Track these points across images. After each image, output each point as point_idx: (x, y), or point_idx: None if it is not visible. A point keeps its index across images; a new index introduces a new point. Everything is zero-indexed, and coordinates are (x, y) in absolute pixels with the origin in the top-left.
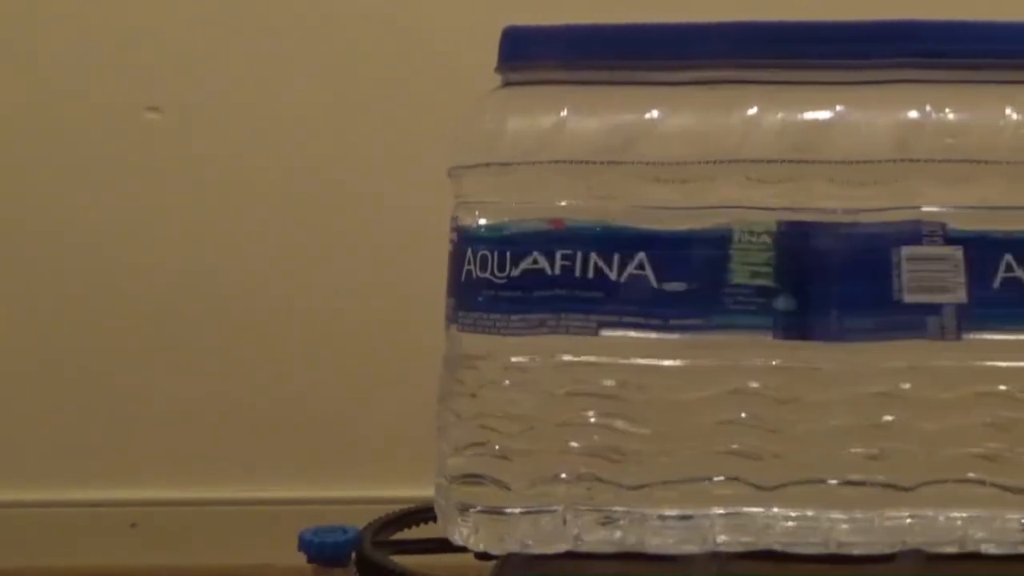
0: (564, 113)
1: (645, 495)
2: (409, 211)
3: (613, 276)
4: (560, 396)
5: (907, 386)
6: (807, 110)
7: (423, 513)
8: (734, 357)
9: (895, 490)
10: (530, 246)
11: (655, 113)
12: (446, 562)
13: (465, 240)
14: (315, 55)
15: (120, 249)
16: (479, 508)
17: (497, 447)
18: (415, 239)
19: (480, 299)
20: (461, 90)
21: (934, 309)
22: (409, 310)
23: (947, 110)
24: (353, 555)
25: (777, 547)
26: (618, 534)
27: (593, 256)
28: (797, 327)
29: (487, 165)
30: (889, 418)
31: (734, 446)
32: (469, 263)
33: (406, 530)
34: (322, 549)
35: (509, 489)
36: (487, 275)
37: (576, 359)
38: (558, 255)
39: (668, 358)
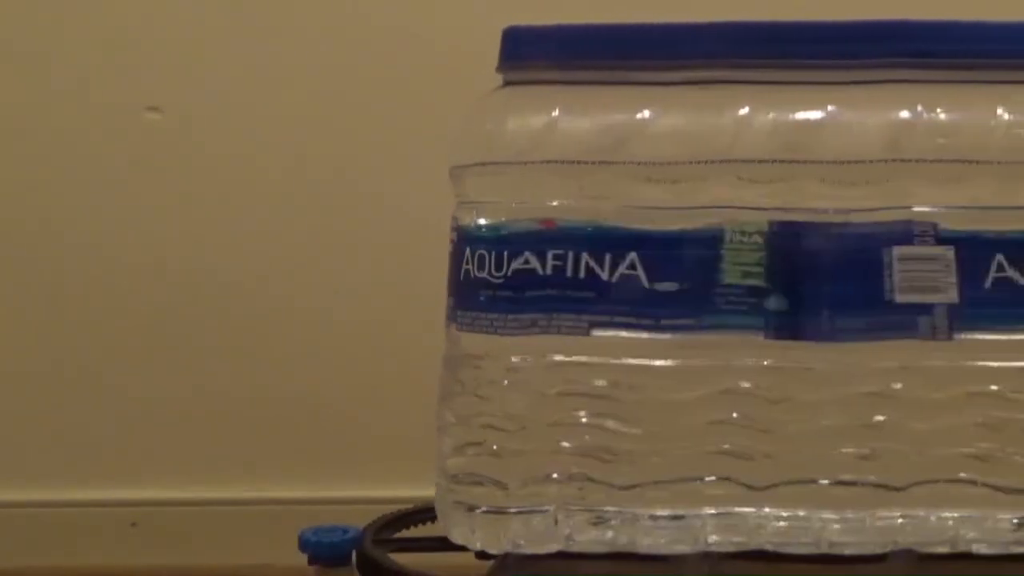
0: (556, 113)
1: (637, 495)
2: (409, 211)
3: (605, 276)
4: (551, 396)
5: (898, 386)
6: (798, 110)
7: (424, 513)
8: (725, 357)
9: (887, 490)
10: (523, 246)
11: (646, 113)
12: (448, 561)
13: (464, 240)
14: (315, 55)
15: (120, 249)
16: (476, 507)
17: (495, 447)
18: (415, 239)
19: (478, 299)
20: (462, 90)
21: (925, 309)
22: (409, 310)
23: (938, 110)
24: (354, 555)
25: (768, 547)
26: (610, 534)
27: (585, 256)
28: (788, 327)
29: (485, 165)
30: (880, 418)
31: (725, 446)
32: (467, 262)
33: (407, 530)
34: (323, 549)
35: (507, 489)
36: (484, 275)
37: (567, 359)
38: (549, 255)
39: (659, 358)
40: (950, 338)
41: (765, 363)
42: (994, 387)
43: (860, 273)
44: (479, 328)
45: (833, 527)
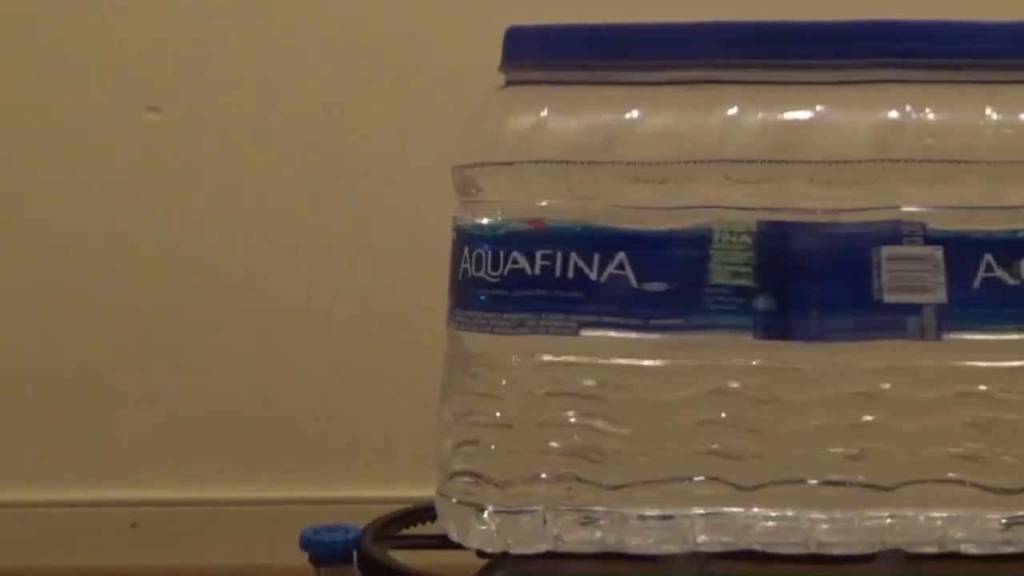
0: (544, 113)
1: (625, 495)
2: (410, 211)
3: (593, 276)
4: (540, 396)
5: (887, 386)
6: (787, 110)
7: (425, 512)
8: (714, 357)
9: (875, 490)
10: (515, 246)
11: (635, 113)
12: (450, 560)
13: (462, 239)
14: (316, 55)
15: (120, 249)
16: (472, 506)
17: (490, 446)
18: (416, 239)
19: (475, 298)
20: (463, 90)
21: (914, 309)
22: (409, 310)
23: (927, 110)
24: (355, 554)
25: (757, 547)
26: (598, 534)
27: (573, 256)
28: (777, 327)
29: (484, 165)
30: (869, 418)
31: (714, 446)
32: (465, 262)
33: (408, 529)
34: (324, 548)
35: (499, 488)
36: (481, 274)
37: (556, 359)
38: (538, 255)
39: (648, 358)
40: (939, 338)
41: (754, 363)
42: (983, 387)
43: (848, 273)
44: (476, 327)
45: (821, 527)
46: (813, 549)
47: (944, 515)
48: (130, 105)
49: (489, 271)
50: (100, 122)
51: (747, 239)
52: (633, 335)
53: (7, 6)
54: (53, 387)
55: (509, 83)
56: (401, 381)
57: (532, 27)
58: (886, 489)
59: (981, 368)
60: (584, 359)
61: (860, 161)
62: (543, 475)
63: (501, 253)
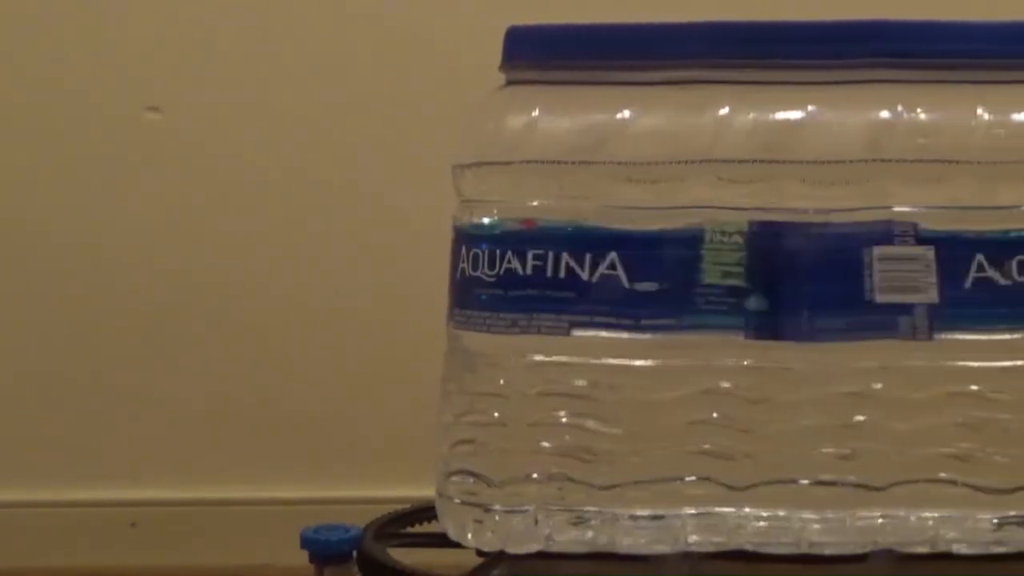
0: (536, 113)
1: (617, 495)
2: (410, 211)
3: (585, 276)
4: (532, 396)
5: (879, 386)
6: (779, 110)
7: (426, 512)
8: (706, 357)
9: (867, 490)
10: (509, 245)
11: (626, 113)
12: (451, 560)
13: (460, 238)
14: (316, 55)
15: (120, 249)
16: (468, 505)
17: (488, 446)
18: (416, 239)
19: (472, 297)
20: (463, 90)
21: (906, 309)
22: (409, 310)
23: (919, 110)
24: (355, 553)
25: (749, 547)
26: (589, 534)
27: (565, 256)
28: (769, 327)
29: (481, 164)
30: (861, 418)
31: (706, 446)
32: (463, 261)
33: (409, 528)
34: (324, 547)
35: (493, 487)
36: (479, 273)
37: (548, 359)
38: (529, 255)
39: (640, 358)
40: (930, 338)
41: (745, 363)
42: (974, 387)
43: (840, 273)
44: (474, 327)
45: (813, 527)
46: (805, 549)
47: (936, 515)
48: (130, 105)
49: (486, 271)
50: (100, 122)
51: (738, 239)
52: (624, 335)
53: (7, 6)
54: (53, 387)
55: (509, 83)
56: (401, 381)
57: (530, 27)
58: (878, 489)
59: (973, 368)
60: (576, 359)
61: (851, 161)
62: (534, 475)
63: (497, 252)
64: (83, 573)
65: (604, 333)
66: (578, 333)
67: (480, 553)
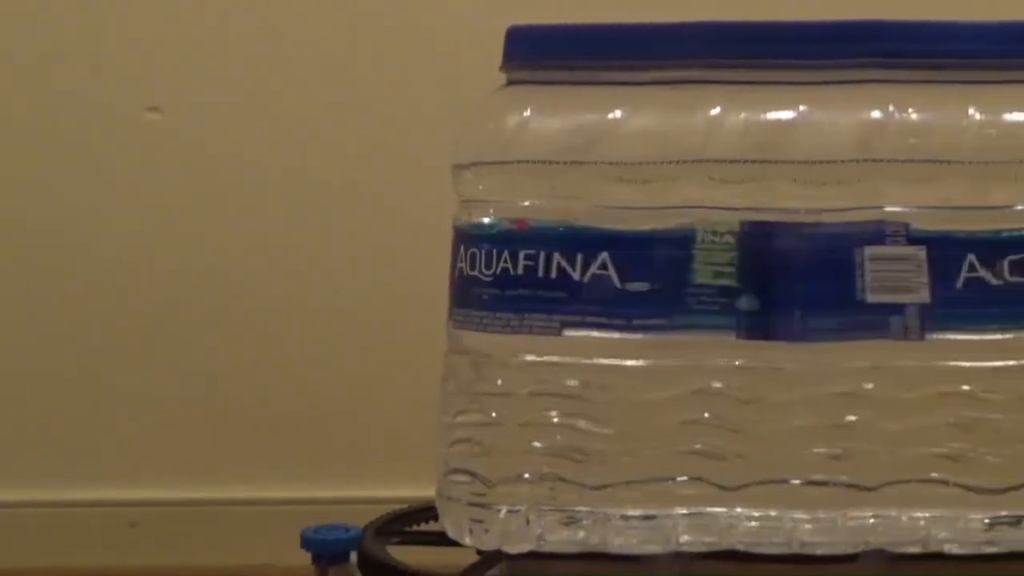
0: (527, 113)
1: (608, 495)
2: (410, 211)
3: (576, 276)
4: (523, 396)
5: (870, 386)
6: (770, 110)
7: (426, 511)
8: (697, 357)
9: (858, 490)
10: (505, 245)
11: (618, 113)
12: (452, 559)
13: (458, 238)
14: (315, 55)
15: (120, 249)
16: (464, 503)
17: (483, 445)
18: (416, 239)
19: (469, 296)
20: (463, 90)
21: (897, 309)
22: (410, 310)
23: (910, 110)
24: (355, 553)
25: (740, 547)
26: (581, 534)
27: (556, 256)
28: (760, 327)
29: (477, 164)
30: (852, 418)
31: (697, 446)
32: (461, 260)
33: (411, 527)
34: (325, 546)
35: (486, 486)
36: (476, 273)
37: (539, 359)
38: (521, 255)
39: (631, 358)
40: (922, 338)
41: (737, 363)
42: (966, 387)
43: (832, 273)
44: (472, 326)
45: (805, 527)
46: (796, 549)
47: (927, 515)
48: (130, 105)
49: (483, 270)
50: (100, 122)
51: (730, 239)
52: (616, 335)
53: (7, 6)
54: (53, 387)
55: (510, 83)
56: (401, 381)
57: (528, 27)
58: (869, 489)
59: (964, 368)
60: (567, 359)
61: (843, 161)
62: (526, 475)
63: (494, 252)
64: (83, 573)
65: (596, 333)
66: (569, 333)
67: (480, 552)
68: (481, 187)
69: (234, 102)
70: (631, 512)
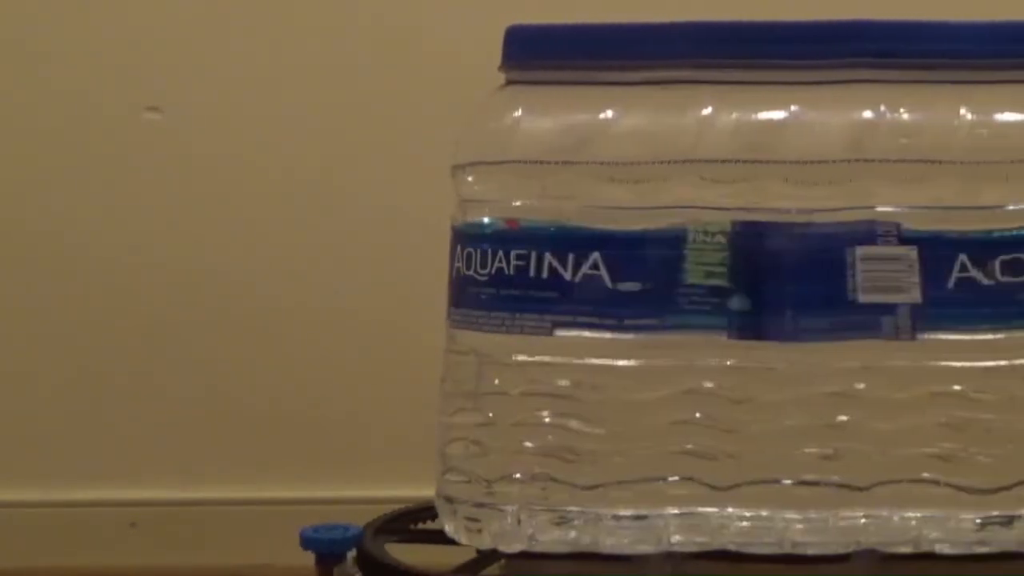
0: (518, 113)
1: (599, 495)
2: (409, 211)
3: (567, 276)
4: (515, 396)
5: (861, 386)
6: (762, 110)
7: (426, 511)
8: (688, 357)
9: (849, 490)
10: (499, 245)
11: (609, 113)
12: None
13: (455, 238)
14: (315, 55)
15: (120, 249)
16: (459, 503)
17: (478, 445)
18: (415, 239)
19: (465, 296)
20: (463, 90)
21: (888, 309)
22: (410, 310)
23: (901, 110)
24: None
25: (732, 547)
26: (572, 534)
27: (548, 256)
28: (752, 327)
29: (473, 164)
30: (843, 418)
31: (688, 446)
32: (458, 260)
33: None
34: (324, 546)
35: (480, 486)
36: (471, 273)
37: (531, 359)
38: (512, 255)
39: (622, 358)
40: (913, 338)
41: (728, 363)
42: (957, 387)
43: (823, 273)
44: (467, 326)
45: (796, 527)
46: (788, 549)
47: (919, 515)
48: (130, 105)
49: (478, 270)
50: (100, 122)
51: (721, 239)
52: (607, 335)
53: (7, 6)
54: (53, 387)
55: (508, 83)
56: (401, 381)
57: (525, 27)
58: (861, 489)
59: (955, 368)
60: (559, 359)
61: (834, 161)
62: (518, 475)
63: (489, 252)
64: (83, 573)
65: (587, 333)
66: (561, 333)
67: (479, 551)
68: (477, 187)
69: (234, 102)
70: (622, 512)
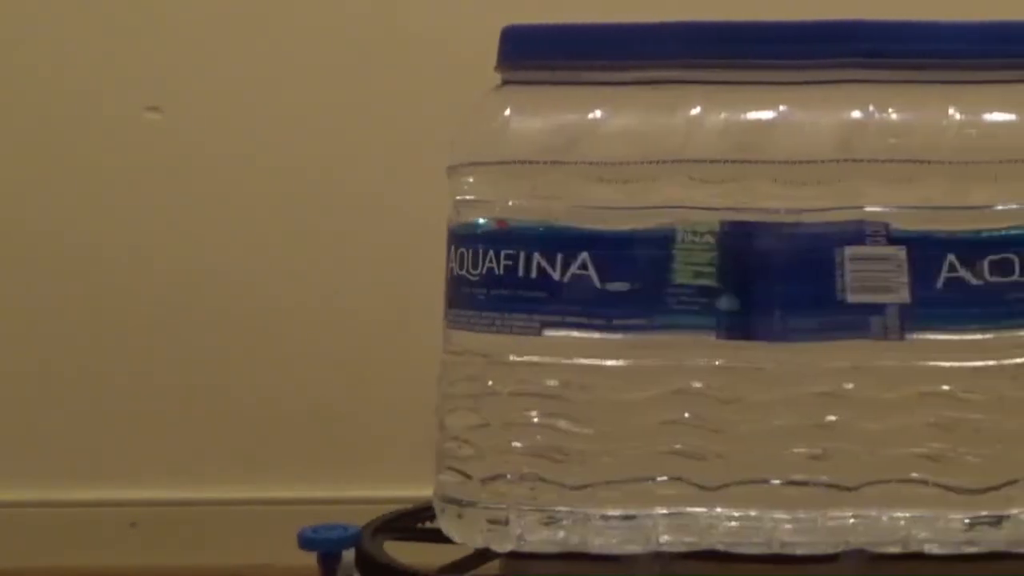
0: (507, 113)
1: (588, 495)
2: (409, 211)
3: (556, 276)
4: (504, 396)
5: (850, 386)
6: (750, 110)
7: (425, 511)
8: (677, 357)
9: (838, 490)
10: (490, 245)
11: (598, 113)
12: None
13: (450, 238)
14: (315, 55)
15: (120, 249)
16: (455, 503)
17: (471, 445)
18: (415, 239)
19: (459, 296)
20: (462, 90)
21: (877, 309)
22: (409, 310)
23: (890, 110)
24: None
25: (720, 547)
26: (561, 534)
27: (536, 256)
28: (740, 327)
29: (468, 165)
30: (832, 418)
31: (677, 446)
32: (452, 260)
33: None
34: (323, 545)
35: (481, 486)
36: (464, 273)
37: (519, 359)
38: (502, 255)
39: (611, 358)
40: (902, 338)
41: (717, 363)
42: (946, 387)
43: (812, 273)
44: (461, 326)
45: (785, 527)
46: (776, 549)
47: (907, 515)
48: (130, 105)
49: (470, 270)
50: (100, 122)
51: (710, 239)
52: (596, 335)
53: (7, 6)
54: (53, 387)
55: (504, 83)
56: (401, 381)
57: (519, 27)
58: (849, 489)
59: (944, 368)
60: (547, 359)
61: (823, 161)
62: (507, 475)
63: (480, 252)
64: (83, 573)
65: (576, 333)
66: (550, 333)
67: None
68: (471, 187)
69: (234, 102)
70: (611, 512)
